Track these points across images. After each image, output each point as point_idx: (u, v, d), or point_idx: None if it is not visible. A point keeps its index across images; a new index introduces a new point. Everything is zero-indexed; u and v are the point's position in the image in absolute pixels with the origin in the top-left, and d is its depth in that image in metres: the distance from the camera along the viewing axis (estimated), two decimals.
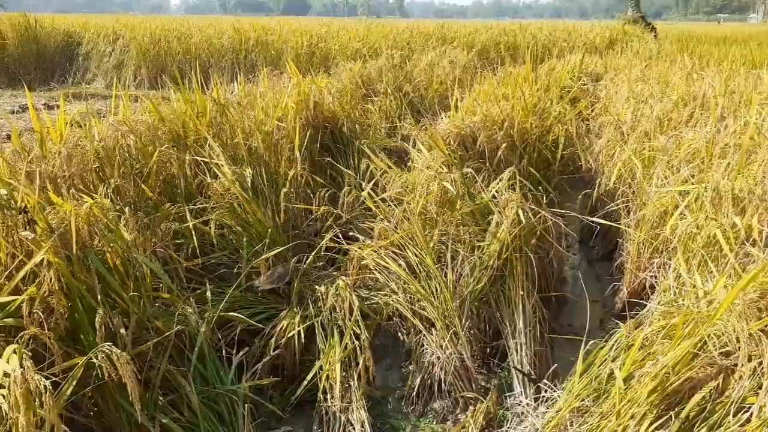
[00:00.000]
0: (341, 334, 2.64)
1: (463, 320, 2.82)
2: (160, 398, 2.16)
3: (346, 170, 3.86)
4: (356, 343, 2.60)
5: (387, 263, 2.80)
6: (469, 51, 9.07)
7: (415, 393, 2.69)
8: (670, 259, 3.03)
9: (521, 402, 2.55)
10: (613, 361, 2.01)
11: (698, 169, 2.64)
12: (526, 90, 4.05)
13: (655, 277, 3.25)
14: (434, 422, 2.57)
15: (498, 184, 3.13)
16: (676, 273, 2.24)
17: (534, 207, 3.04)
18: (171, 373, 2.18)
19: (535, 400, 2.47)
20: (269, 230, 3.10)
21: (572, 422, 1.99)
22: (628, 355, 1.88)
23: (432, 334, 2.79)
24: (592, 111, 5.14)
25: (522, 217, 2.87)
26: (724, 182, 2.08)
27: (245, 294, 2.86)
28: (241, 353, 2.48)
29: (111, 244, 2.14)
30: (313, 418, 2.51)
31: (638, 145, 3.55)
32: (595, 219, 3.04)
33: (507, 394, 2.64)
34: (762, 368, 1.64)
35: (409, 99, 8.05)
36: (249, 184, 3.21)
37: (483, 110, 3.70)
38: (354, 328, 2.63)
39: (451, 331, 2.73)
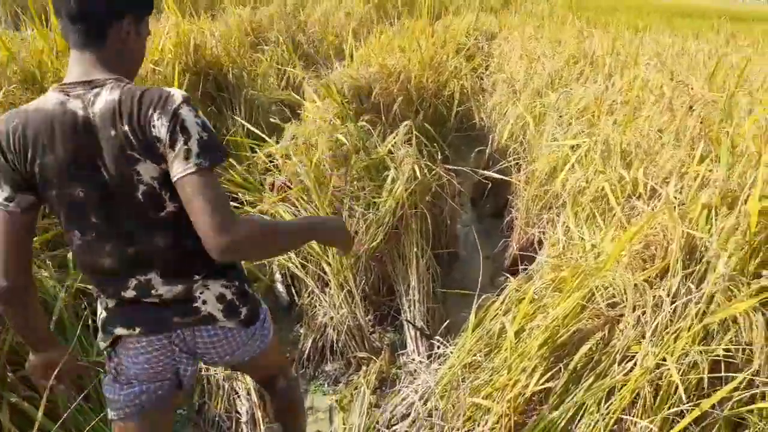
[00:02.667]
0: None
1: (358, 279, 2.73)
2: (9, 375, 1.88)
3: (240, 119, 3.57)
4: None
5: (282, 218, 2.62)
6: (366, 3, 8.81)
7: (306, 356, 2.58)
8: (558, 215, 3.10)
9: (414, 359, 2.51)
10: (504, 315, 2.00)
11: (588, 124, 2.68)
12: (422, 43, 3.94)
13: (544, 232, 3.32)
14: (326, 385, 2.48)
15: (394, 138, 3.02)
16: (565, 227, 2.26)
17: (429, 164, 2.98)
18: (22, 346, 1.90)
19: (429, 357, 2.44)
20: None
21: (464, 378, 1.96)
22: (519, 309, 1.86)
23: (326, 294, 2.68)
24: (487, 69, 5.15)
25: (418, 173, 2.80)
26: (613, 136, 2.10)
27: None
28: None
29: None
30: (194, 389, 2.33)
31: (530, 101, 3.58)
32: (487, 172, 3.03)
33: (400, 352, 2.59)
34: (645, 317, 1.68)
35: (303, 50, 7.74)
36: None
37: (379, 61, 3.55)
38: None
39: (345, 290, 2.63)
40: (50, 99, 1.10)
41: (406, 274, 2.75)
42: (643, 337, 1.63)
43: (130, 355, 1.29)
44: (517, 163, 3.55)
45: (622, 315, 1.74)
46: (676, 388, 1.49)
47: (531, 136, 3.33)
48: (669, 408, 1.51)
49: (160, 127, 1.06)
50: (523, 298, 1.88)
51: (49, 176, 1.11)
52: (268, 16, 7.77)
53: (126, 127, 1.07)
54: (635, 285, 1.67)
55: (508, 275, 2.96)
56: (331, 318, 2.58)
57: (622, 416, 1.56)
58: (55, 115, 1.09)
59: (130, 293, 1.23)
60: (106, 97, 1.08)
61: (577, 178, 2.19)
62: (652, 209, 1.97)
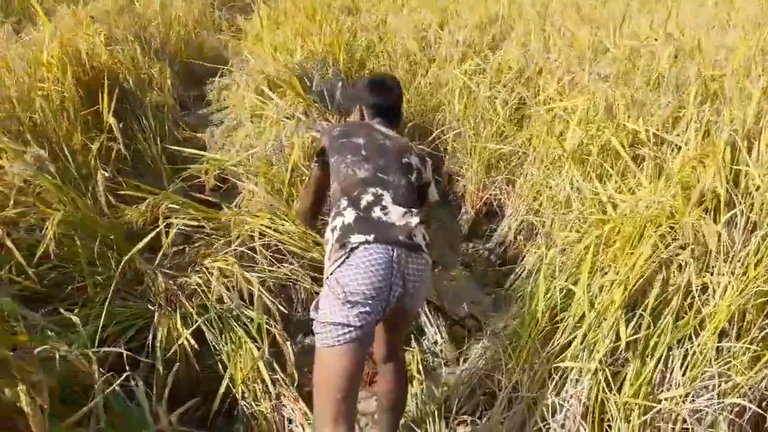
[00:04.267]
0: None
1: None
2: None
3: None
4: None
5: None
6: None
7: None
8: (514, 175, 3.24)
9: (438, 341, 2.50)
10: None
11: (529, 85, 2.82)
12: (332, 26, 3.81)
13: (500, 197, 3.46)
14: None
15: None
16: (571, 183, 2.36)
17: None
18: None
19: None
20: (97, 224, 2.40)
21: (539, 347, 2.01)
22: (581, 270, 1.93)
23: None
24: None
25: None
26: (611, 92, 2.23)
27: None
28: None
29: None
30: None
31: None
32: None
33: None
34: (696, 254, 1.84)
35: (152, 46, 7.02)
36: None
37: (309, 47, 3.35)
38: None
39: None
40: None
41: None
42: (709, 271, 1.80)
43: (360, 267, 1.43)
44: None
45: (677, 254, 1.88)
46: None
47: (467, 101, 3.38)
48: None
49: None
50: (582, 260, 1.96)
51: None
52: (101, 11, 6.91)
53: None
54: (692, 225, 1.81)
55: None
56: None
57: (720, 344, 1.71)
58: None
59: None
60: None
61: (578, 135, 2.30)
62: (660, 156, 2.15)
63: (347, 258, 1.46)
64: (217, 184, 2.96)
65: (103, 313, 1.93)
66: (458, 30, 3.98)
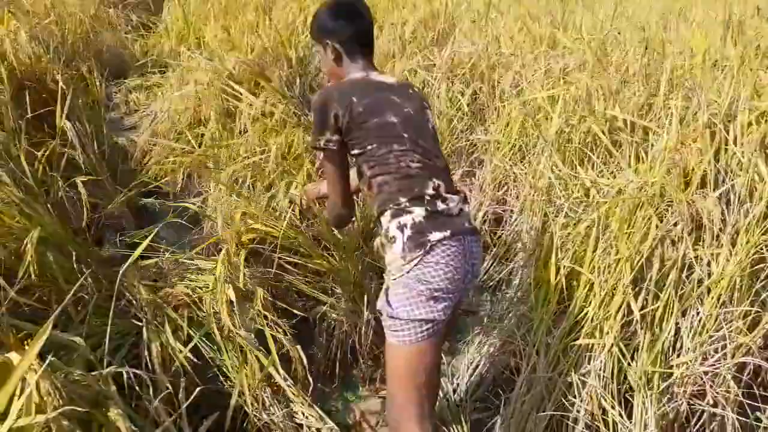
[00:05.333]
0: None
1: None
2: None
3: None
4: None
5: None
6: None
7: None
8: (481, 163, 3.32)
9: None
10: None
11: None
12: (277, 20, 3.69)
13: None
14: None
15: None
16: (551, 169, 2.46)
17: None
18: None
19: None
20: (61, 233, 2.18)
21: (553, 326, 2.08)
22: (585, 252, 2.03)
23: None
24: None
25: None
26: (589, 81, 2.36)
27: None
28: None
29: None
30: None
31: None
32: None
33: None
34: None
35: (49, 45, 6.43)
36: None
37: (263, 42, 3.21)
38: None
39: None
40: None
41: None
42: (700, 244, 1.96)
43: (440, 264, 1.44)
44: None
45: (670, 231, 2.03)
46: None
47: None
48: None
49: None
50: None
51: None
52: None
53: None
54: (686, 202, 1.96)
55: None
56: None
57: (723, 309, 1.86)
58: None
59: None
60: None
61: (559, 122, 2.40)
62: (638, 142, 2.30)
63: (426, 255, 1.45)
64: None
65: (84, 333, 1.75)
66: (401, 25, 4.01)
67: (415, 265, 1.44)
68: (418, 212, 1.48)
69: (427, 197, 1.51)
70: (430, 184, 1.53)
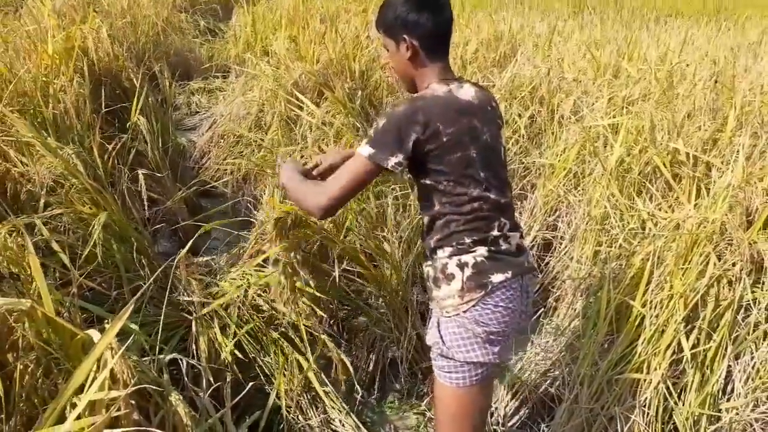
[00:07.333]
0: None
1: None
2: None
3: None
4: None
5: None
6: None
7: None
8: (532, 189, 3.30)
9: None
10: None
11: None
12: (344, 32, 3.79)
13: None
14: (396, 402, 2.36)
15: None
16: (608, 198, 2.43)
17: None
18: None
19: None
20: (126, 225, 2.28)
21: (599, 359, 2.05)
22: (638, 287, 1.99)
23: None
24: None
25: None
26: (653, 112, 2.32)
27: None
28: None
29: None
30: None
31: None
32: None
33: None
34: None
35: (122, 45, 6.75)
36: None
37: (330, 54, 3.30)
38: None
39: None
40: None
41: None
42: (759, 286, 1.89)
43: (499, 306, 1.42)
44: None
45: (728, 270, 1.97)
46: None
47: None
48: None
49: None
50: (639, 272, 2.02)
51: None
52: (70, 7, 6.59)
53: None
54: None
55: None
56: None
57: None
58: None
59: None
60: None
61: (618, 153, 2.37)
62: (699, 177, 2.25)
63: (485, 297, 1.40)
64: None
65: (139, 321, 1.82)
66: (463, 45, 4.04)
67: (473, 306, 1.39)
68: (481, 252, 1.42)
69: (492, 237, 1.44)
70: (497, 224, 1.46)
